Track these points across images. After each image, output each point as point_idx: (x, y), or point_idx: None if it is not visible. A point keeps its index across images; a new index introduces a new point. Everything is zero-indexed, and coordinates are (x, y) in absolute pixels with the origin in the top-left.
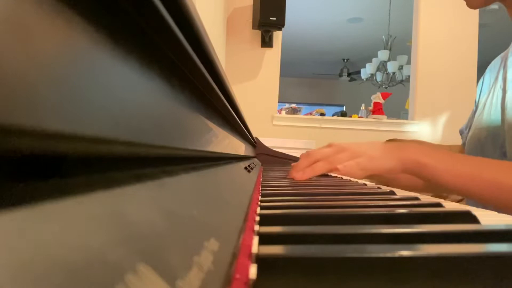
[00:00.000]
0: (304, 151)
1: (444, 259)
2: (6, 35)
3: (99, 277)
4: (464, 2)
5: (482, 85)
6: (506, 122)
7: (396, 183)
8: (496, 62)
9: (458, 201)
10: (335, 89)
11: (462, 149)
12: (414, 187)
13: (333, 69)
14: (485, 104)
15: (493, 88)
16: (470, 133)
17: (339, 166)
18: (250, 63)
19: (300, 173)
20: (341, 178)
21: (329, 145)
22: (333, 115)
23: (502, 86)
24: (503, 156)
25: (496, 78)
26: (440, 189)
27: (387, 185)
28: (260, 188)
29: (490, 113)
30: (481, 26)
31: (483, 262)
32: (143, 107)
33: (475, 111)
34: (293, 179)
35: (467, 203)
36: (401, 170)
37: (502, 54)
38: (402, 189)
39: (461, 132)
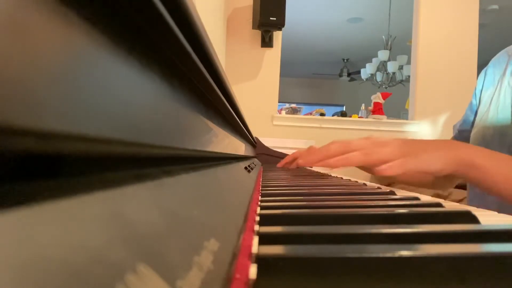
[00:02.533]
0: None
1: (444, 259)
2: (6, 35)
3: (99, 277)
4: (464, 2)
5: (485, 78)
6: None
7: (427, 187)
8: (501, 57)
9: (458, 201)
10: (335, 89)
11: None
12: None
13: (333, 69)
14: (490, 101)
15: (499, 84)
16: (474, 131)
17: (383, 166)
18: (250, 63)
19: (333, 161)
20: (341, 178)
21: (367, 138)
22: (333, 115)
23: (511, 83)
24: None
25: (503, 74)
26: (490, 194)
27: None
28: (260, 188)
29: (497, 111)
30: (481, 26)
31: (483, 262)
32: (143, 107)
33: (476, 106)
34: (313, 163)
35: (470, 203)
36: (451, 172)
37: (508, 49)
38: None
39: (454, 127)
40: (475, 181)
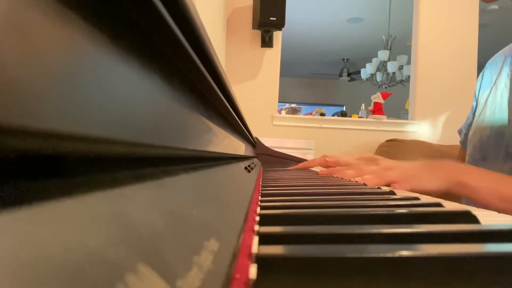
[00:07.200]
0: (304, 151)
1: (444, 259)
2: (6, 34)
3: (99, 277)
4: (464, 2)
5: (482, 79)
6: None
7: None
8: (497, 57)
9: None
10: (335, 89)
11: (460, 148)
12: None
13: (333, 69)
14: (486, 102)
15: (495, 85)
16: (471, 132)
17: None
18: (250, 63)
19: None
20: (341, 178)
21: (374, 160)
22: (333, 115)
23: (507, 84)
24: (507, 156)
25: (499, 75)
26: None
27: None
28: (260, 188)
29: (494, 112)
30: (481, 26)
31: (483, 262)
32: (143, 107)
33: (475, 108)
34: (342, 178)
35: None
36: (445, 190)
37: (505, 49)
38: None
39: (459, 131)
40: (466, 197)
